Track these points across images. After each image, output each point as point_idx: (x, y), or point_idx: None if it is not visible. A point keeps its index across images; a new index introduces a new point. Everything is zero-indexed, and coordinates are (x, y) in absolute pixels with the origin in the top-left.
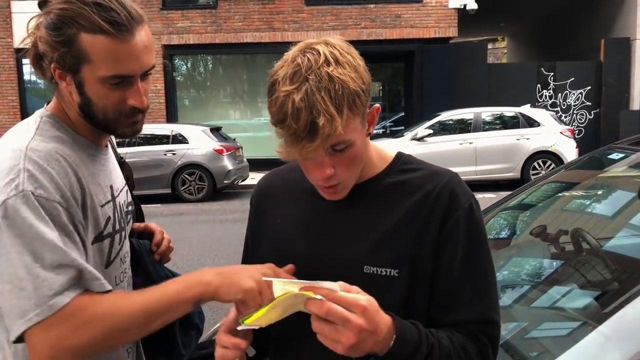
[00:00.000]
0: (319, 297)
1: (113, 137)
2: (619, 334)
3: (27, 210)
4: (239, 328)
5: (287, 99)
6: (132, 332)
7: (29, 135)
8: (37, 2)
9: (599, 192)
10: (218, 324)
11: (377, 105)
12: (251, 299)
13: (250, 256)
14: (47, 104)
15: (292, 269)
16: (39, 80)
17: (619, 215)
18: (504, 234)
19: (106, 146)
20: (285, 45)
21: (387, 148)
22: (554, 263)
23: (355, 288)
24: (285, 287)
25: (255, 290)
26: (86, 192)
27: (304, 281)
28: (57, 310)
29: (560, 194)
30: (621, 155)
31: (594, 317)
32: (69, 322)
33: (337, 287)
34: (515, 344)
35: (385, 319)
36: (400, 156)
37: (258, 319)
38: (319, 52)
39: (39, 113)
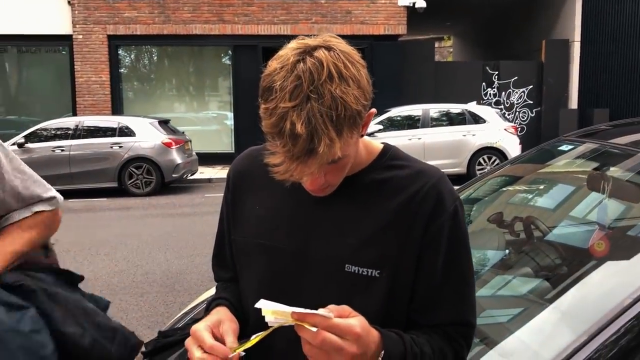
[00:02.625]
0: (313, 329)
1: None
2: (568, 312)
3: None
4: (230, 355)
5: (286, 117)
6: None
7: None
8: None
9: (548, 184)
10: (178, 315)
11: (374, 109)
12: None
13: (226, 240)
14: None
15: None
16: None
17: (566, 206)
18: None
19: None
20: (235, 39)
21: (374, 140)
22: (508, 249)
23: (347, 309)
24: (275, 314)
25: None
26: None
27: (295, 308)
28: None
29: (509, 187)
30: (570, 147)
31: (546, 298)
32: None
33: (330, 313)
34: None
35: (374, 337)
36: (387, 149)
37: (250, 347)
38: (321, 63)
39: None
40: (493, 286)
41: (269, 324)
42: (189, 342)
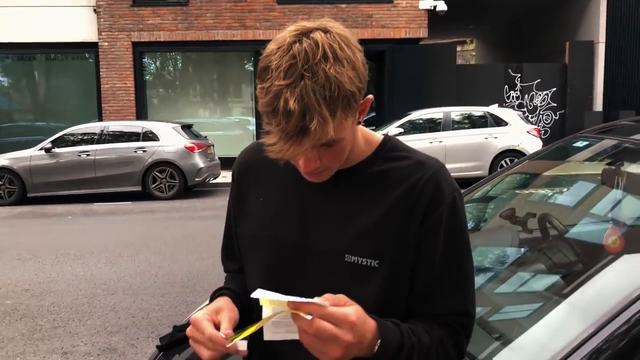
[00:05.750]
0: (308, 317)
1: None
2: (581, 305)
3: None
4: (228, 345)
5: (280, 95)
6: None
7: None
8: None
9: (563, 182)
10: (195, 310)
11: (370, 96)
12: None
13: (233, 232)
14: None
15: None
16: (1, 78)
17: (582, 204)
18: (469, 226)
19: None
20: (256, 45)
21: (374, 132)
22: (522, 247)
23: (343, 298)
24: (272, 303)
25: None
26: None
27: (291, 297)
28: None
29: (524, 184)
30: (586, 143)
31: (560, 294)
32: None
33: (325, 302)
34: (490, 321)
35: (370, 326)
36: (387, 141)
37: (246, 337)
38: (317, 44)
39: None
40: (507, 283)
41: (264, 314)
42: (189, 331)
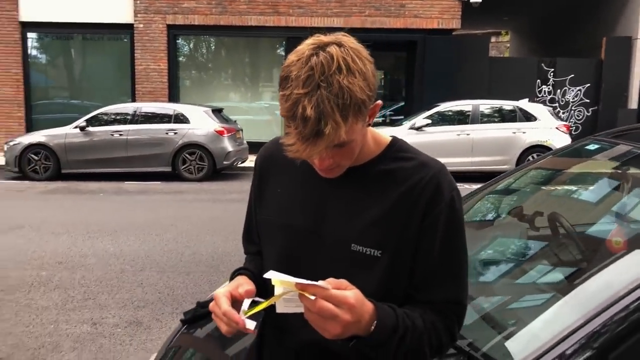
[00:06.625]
0: (312, 297)
1: None
2: (578, 300)
3: None
4: (244, 309)
5: (299, 102)
6: None
7: None
8: None
9: (570, 182)
10: (218, 288)
11: (379, 101)
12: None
13: (253, 219)
14: None
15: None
16: (39, 55)
17: (589, 204)
18: (489, 217)
19: None
20: (289, 31)
21: (383, 133)
22: (532, 243)
23: (344, 282)
24: (283, 284)
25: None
26: None
27: (298, 279)
28: None
29: (541, 180)
30: (597, 146)
31: (563, 290)
32: None
33: (328, 285)
34: (494, 315)
35: (368, 308)
36: (394, 142)
37: (256, 314)
38: (332, 57)
39: None
40: (515, 278)
41: (276, 293)
42: (212, 306)
